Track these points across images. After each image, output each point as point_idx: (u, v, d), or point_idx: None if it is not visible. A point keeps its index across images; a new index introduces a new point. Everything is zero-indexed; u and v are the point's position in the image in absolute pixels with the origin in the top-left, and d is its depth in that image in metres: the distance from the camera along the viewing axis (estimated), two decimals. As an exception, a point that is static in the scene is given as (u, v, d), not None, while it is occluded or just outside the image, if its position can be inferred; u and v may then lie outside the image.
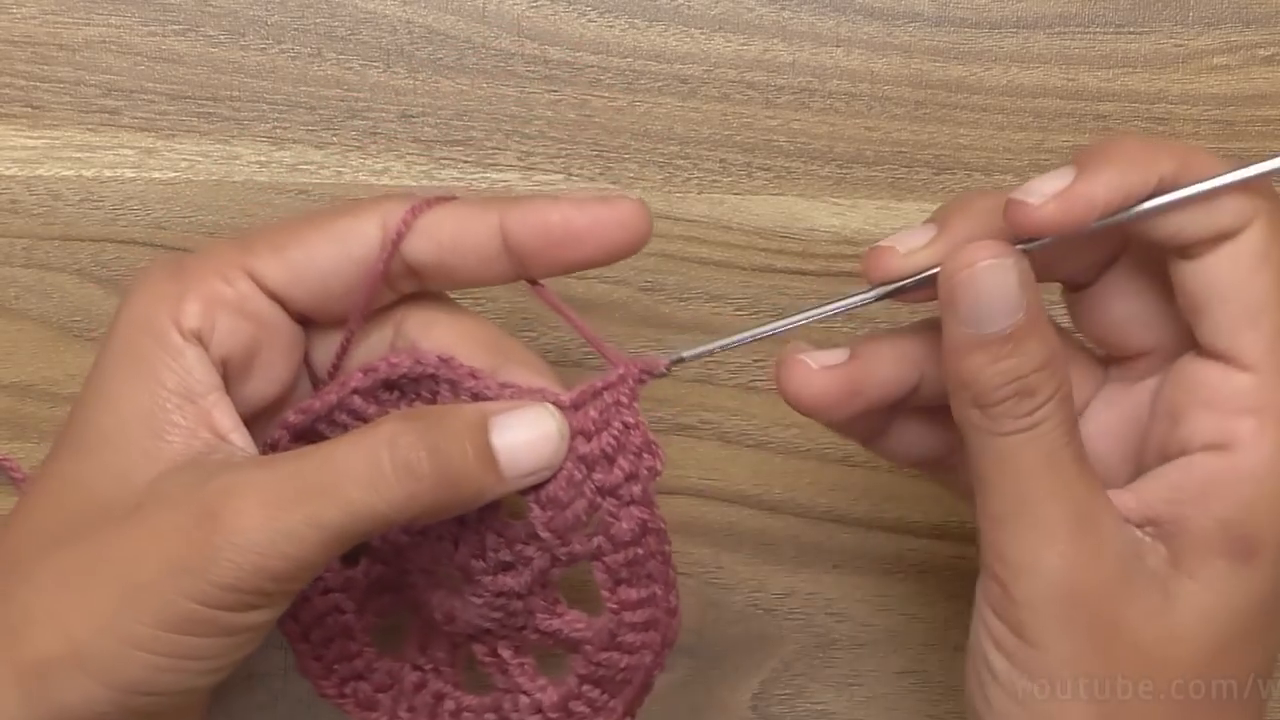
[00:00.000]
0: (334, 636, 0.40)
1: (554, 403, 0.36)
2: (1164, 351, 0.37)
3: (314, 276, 0.36)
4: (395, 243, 0.36)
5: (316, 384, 0.40)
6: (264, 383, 0.37)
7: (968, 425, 0.35)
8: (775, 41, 0.49)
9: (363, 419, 0.37)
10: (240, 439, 0.36)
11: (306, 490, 0.33)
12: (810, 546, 0.49)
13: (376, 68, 0.48)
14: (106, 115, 0.48)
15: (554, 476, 0.36)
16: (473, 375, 0.36)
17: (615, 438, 0.36)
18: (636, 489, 0.36)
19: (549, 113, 0.48)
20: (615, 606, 0.37)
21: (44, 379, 0.47)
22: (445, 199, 0.37)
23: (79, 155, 0.48)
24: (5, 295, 0.47)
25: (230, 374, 0.36)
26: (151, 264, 0.37)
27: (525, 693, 0.40)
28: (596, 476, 0.36)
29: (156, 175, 0.48)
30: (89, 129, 0.48)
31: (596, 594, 0.38)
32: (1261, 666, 0.35)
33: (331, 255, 0.36)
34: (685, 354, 0.37)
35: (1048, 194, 0.33)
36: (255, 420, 0.38)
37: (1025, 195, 0.33)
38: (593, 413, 0.36)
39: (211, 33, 0.48)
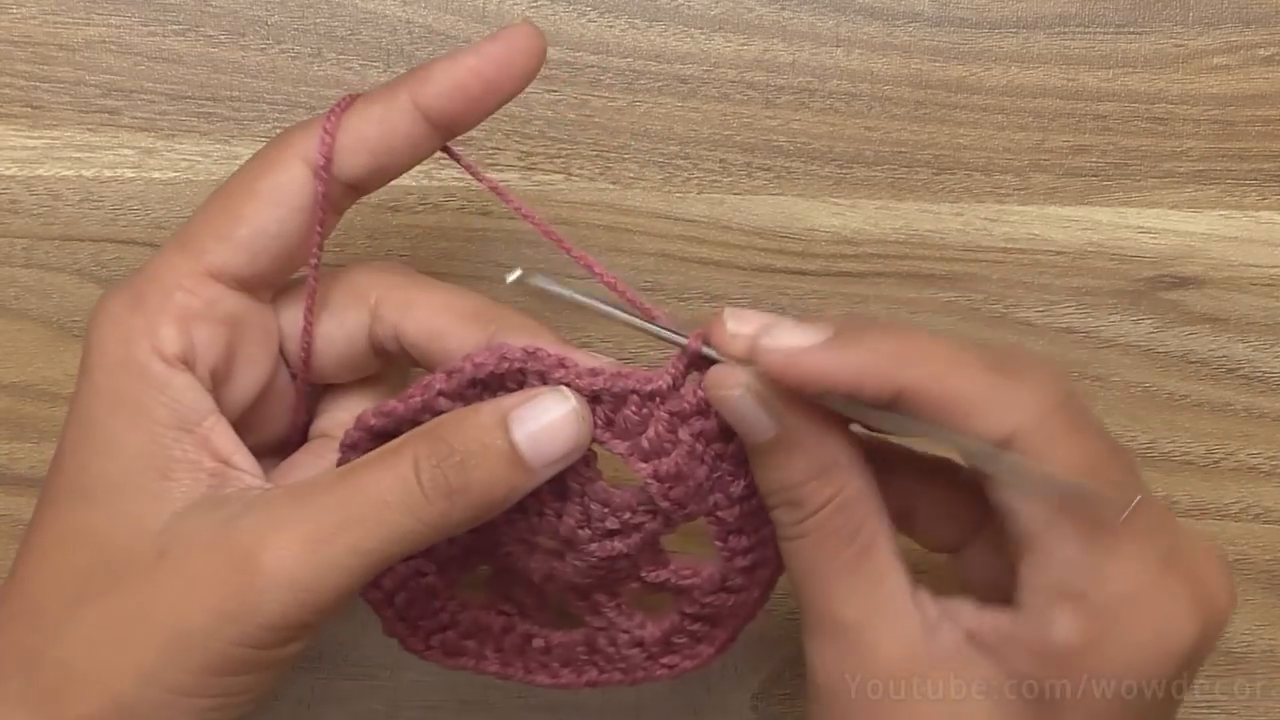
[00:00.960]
0: (418, 598, 0.40)
1: (651, 387, 0.36)
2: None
3: (268, 245, 0.36)
4: (326, 176, 0.36)
5: (289, 360, 0.39)
6: (250, 377, 0.37)
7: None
8: (775, 41, 0.49)
9: None
10: (242, 459, 0.36)
11: (343, 522, 0.33)
12: (810, 546, 0.49)
13: (376, 68, 0.48)
14: (106, 115, 0.48)
15: (671, 452, 0.36)
16: (561, 364, 0.36)
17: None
18: None
19: (549, 113, 0.48)
20: (727, 554, 0.39)
21: (44, 379, 0.47)
22: (346, 102, 0.36)
23: (79, 155, 0.48)
24: (5, 295, 0.47)
25: (218, 382, 0.36)
26: (103, 300, 0.36)
27: (623, 630, 0.41)
28: (714, 446, 0.37)
29: (156, 175, 0.48)
30: (89, 129, 0.48)
31: (697, 535, 0.39)
32: None
33: (276, 217, 0.36)
34: (540, 282, 0.36)
35: (782, 345, 0.34)
36: (246, 418, 0.37)
37: (767, 337, 0.34)
38: (695, 389, 0.36)
39: (211, 33, 0.48)
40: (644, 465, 0.37)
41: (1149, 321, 0.49)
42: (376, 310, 0.38)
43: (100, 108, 0.48)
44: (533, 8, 0.48)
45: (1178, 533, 0.34)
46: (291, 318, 0.38)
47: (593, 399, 0.36)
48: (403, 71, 0.48)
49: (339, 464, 0.37)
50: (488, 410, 0.35)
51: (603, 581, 0.40)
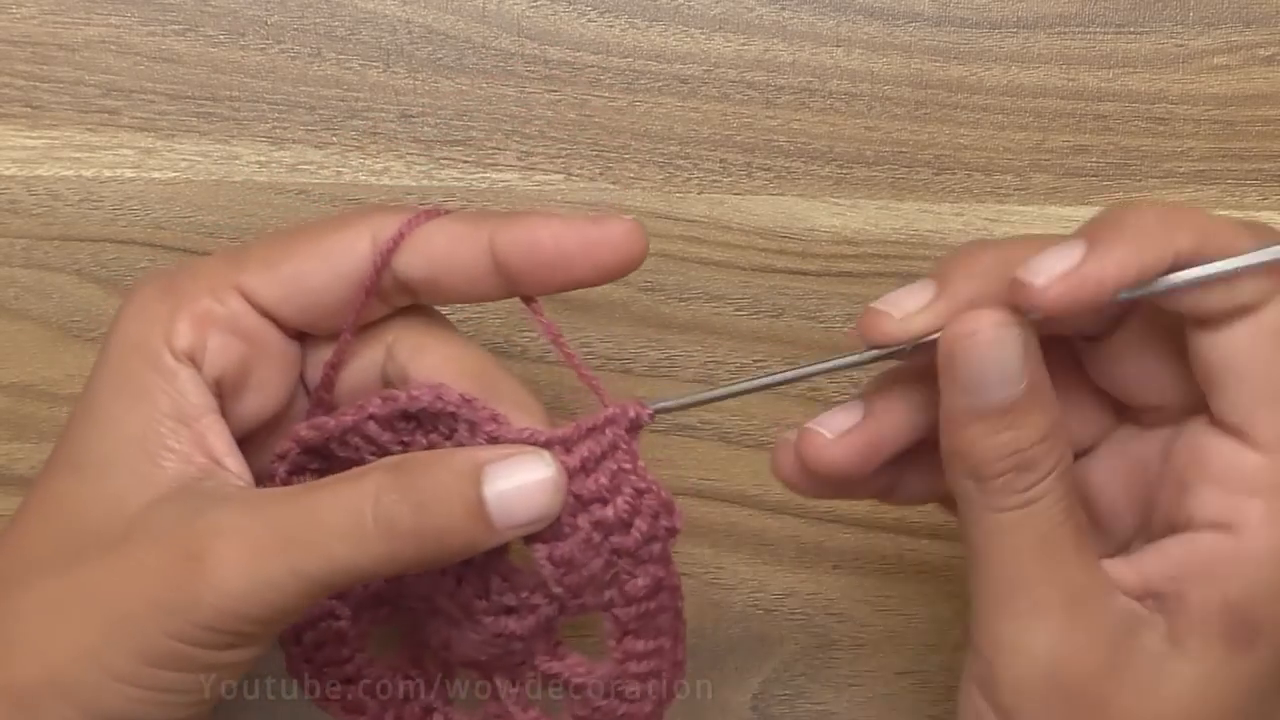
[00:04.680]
0: (327, 641, 0.39)
1: (560, 455, 0.35)
2: (1178, 407, 0.36)
3: (305, 293, 0.36)
4: (385, 258, 0.36)
5: (311, 398, 0.40)
6: (259, 400, 0.37)
7: (963, 497, 0.34)
8: (775, 41, 0.49)
9: (376, 444, 0.36)
10: (234, 463, 0.36)
11: (289, 540, 0.33)
12: (810, 547, 0.49)
13: (376, 68, 0.48)
14: (106, 115, 0.48)
15: (569, 538, 0.35)
16: (494, 419, 0.35)
17: (630, 501, 0.35)
18: (655, 548, 0.36)
19: (549, 113, 0.48)
20: (620, 656, 0.37)
21: (44, 379, 0.47)
22: (435, 212, 0.36)
23: (79, 155, 0.48)
24: (5, 295, 0.47)
25: (224, 393, 0.36)
26: (144, 279, 0.37)
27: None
28: (614, 539, 0.35)
29: (156, 175, 0.48)
30: (89, 129, 0.48)
31: (599, 631, 0.37)
32: None
33: (322, 272, 0.36)
34: (668, 404, 0.36)
35: (1054, 274, 0.32)
36: (253, 438, 0.37)
37: (1030, 276, 0.32)
38: (601, 478, 0.35)
39: (211, 33, 0.48)
40: (541, 546, 0.35)
41: (1149, 322, 0.49)
42: (391, 349, 0.38)
43: (100, 108, 0.48)
44: (533, 7, 0.48)
45: None
46: (316, 355, 0.38)
47: None
48: (402, 72, 0.48)
49: (270, 473, 0.37)
50: (462, 457, 0.34)
51: (499, 662, 0.39)
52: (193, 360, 0.35)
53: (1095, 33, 0.49)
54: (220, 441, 0.35)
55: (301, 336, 0.38)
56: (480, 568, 0.36)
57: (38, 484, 0.36)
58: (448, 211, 0.37)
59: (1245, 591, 0.33)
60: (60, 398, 0.47)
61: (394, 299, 0.37)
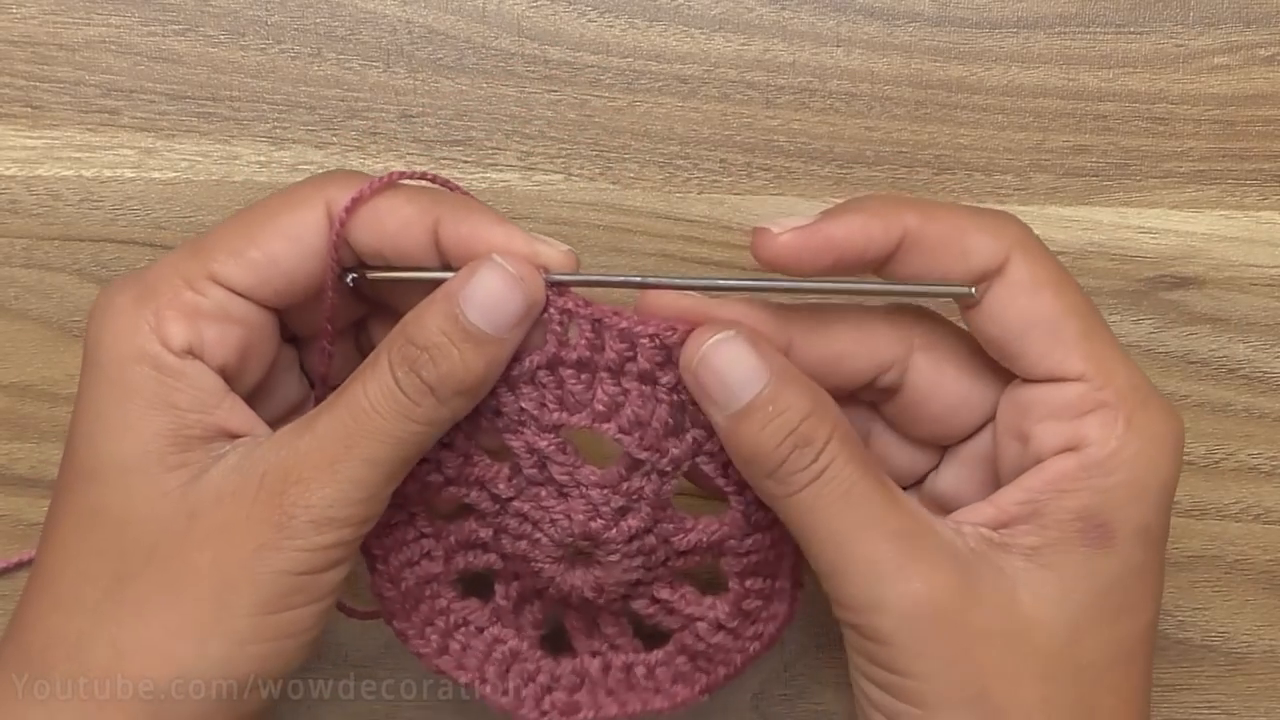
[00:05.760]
0: (508, 670, 0.41)
1: (574, 354, 0.38)
2: (986, 414, 0.39)
3: (278, 276, 0.37)
4: (339, 238, 0.37)
5: (312, 381, 0.40)
6: (256, 372, 0.38)
7: (770, 499, 0.36)
8: (775, 41, 0.49)
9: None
10: (262, 429, 0.37)
11: (348, 438, 0.35)
12: (810, 547, 0.49)
13: (376, 68, 0.48)
14: (106, 115, 0.48)
15: (624, 404, 0.37)
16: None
17: (653, 346, 0.37)
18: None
19: (549, 113, 0.48)
20: (734, 488, 0.39)
21: (44, 379, 0.48)
22: (383, 186, 0.37)
23: (79, 155, 0.48)
24: (5, 295, 0.47)
25: (230, 376, 0.37)
26: (109, 291, 0.37)
27: (699, 619, 0.41)
28: (663, 380, 0.37)
29: (156, 175, 0.48)
30: (89, 129, 0.48)
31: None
32: (1126, 644, 0.36)
33: (289, 253, 0.37)
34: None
35: (788, 226, 0.35)
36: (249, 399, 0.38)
37: (769, 224, 0.36)
38: (612, 339, 0.37)
39: (211, 33, 0.48)
40: (607, 426, 0.37)
41: (1150, 322, 0.49)
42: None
43: (100, 108, 0.48)
44: (533, 7, 0.48)
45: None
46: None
47: (538, 384, 0.37)
48: (402, 72, 0.48)
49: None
50: (438, 299, 0.36)
51: (649, 571, 0.40)
52: (192, 353, 0.36)
53: (1095, 33, 0.49)
54: (244, 416, 0.37)
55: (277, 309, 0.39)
56: (577, 493, 0.38)
57: (58, 505, 0.36)
58: (394, 182, 0.38)
59: (1096, 495, 0.35)
60: (60, 397, 0.47)
61: (352, 263, 0.38)
